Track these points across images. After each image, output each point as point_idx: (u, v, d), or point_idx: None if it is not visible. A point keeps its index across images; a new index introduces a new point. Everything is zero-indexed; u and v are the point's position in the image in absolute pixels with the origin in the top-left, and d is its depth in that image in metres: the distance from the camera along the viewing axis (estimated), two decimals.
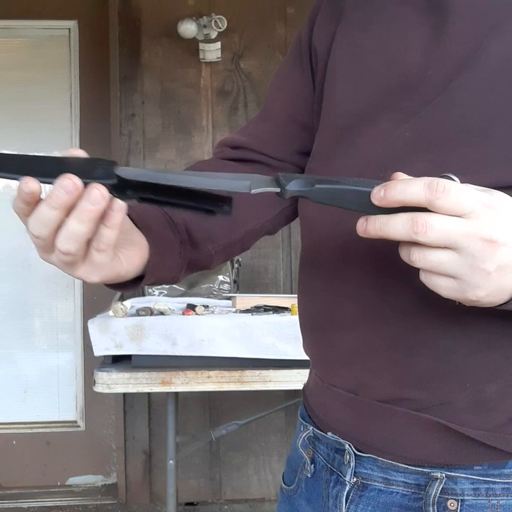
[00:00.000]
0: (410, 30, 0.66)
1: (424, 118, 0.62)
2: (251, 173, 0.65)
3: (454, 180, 0.50)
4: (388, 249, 0.58)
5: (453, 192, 0.48)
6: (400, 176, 0.52)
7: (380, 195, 0.50)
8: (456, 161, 0.60)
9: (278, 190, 0.54)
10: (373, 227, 0.51)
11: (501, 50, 0.60)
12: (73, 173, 0.50)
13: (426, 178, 0.49)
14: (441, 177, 0.50)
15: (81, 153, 0.53)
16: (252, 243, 0.80)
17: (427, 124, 0.62)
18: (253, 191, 0.54)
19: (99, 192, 0.50)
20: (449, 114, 0.61)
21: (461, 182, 0.57)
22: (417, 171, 0.60)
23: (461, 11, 0.63)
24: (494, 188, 0.56)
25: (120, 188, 0.52)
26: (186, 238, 0.69)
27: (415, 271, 0.52)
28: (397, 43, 0.67)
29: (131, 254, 0.60)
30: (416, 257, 0.50)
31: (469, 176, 0.57)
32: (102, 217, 0.51)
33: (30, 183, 0.52)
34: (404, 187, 0.49)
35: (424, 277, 0.51)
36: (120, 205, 0.52)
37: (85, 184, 0.50)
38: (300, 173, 0.56)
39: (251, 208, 0.77)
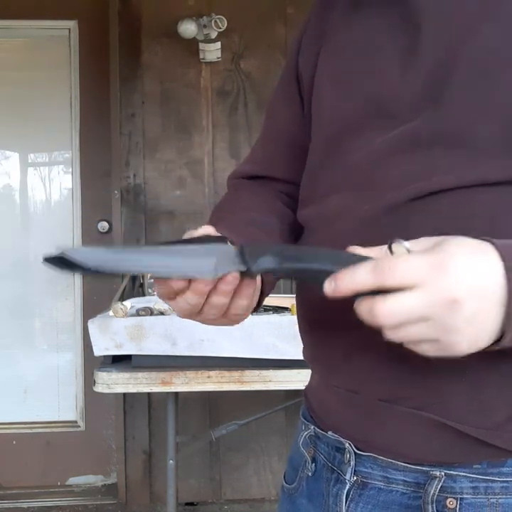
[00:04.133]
0: (388, 43, 0.68)
1: (407, 123, 0.64)
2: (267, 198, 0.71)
3: (405, 246, 0.51)
4: None
5: (399, 268, 0.49)
6: (354, 248, 0.54)
7: (331, 288, 0.52)
8: (438, 162, 0.61)
9: (244, 269, 0.56)
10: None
11: (473, 56, 0.62)
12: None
13: (369, 262, 0.51)
14: (391, 243, 0.52)
15: (210, 231, 0.60)
16: None
17: (410, 129, 0.63)
18: (218, 275, 0.55)
19: (231, 276, 0.58)
20: (430, 120, 0.63)
21: (447, 181, 0.60)
22: (402, 174, 0.63)
23: (432, 19, 0.65)
24: (478, 185, 0.58)
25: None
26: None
27: None
28: (376, 56, 0.69)
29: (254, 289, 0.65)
30: (390, 337, 0.52)
31: (453, 175, 0.60)
32: (236, 292, 0.60)
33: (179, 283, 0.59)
34: (352, 277, 0.51)
35: (407, 346, 0.53)
36: (250, 282, 0.61)
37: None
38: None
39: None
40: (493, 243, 0.51)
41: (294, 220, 0.80)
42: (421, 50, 0.65)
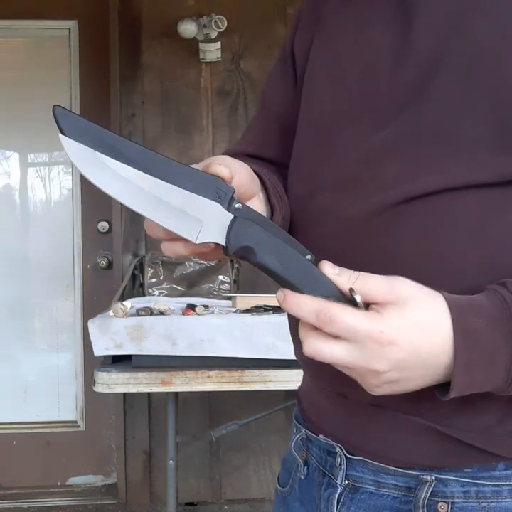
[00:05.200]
0: (381, 34, 0.67)
1: (395, 120, 0.63)
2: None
3: (356, 300, 0.53)
4: (371, 257, 0.60)
5: (339, 322, 0.52)
6: (325, 266, 0.55)
7: (280, 300, 0.55)
8: (426, 162, 0.61)
9: (222, 244, 0.55)
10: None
11: (464, 50, 0.61)
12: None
13: (318, 303, 0.53)
14: (349, 290, 0.53)
15: (223, 172, 0.56)
16: None
17: (399, 126, 0.63)
18: (198, 242, 0.55)
19: (205, 246, 0.56)
20: (418, 116, 0.62)
21: (435, 182, 0.59)
22: (389, 173, 0.62)
23: (425, 11, 0.64)
24: (467, 187, 0.58)
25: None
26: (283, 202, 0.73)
27: (400, 274, 0.55)
28: (369, 46, 0.68)
29: None
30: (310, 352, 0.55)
31: (442, 176, 0.59)
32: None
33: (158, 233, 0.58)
34: (299, 306, 0.53)
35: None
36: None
37: None
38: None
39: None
40: (451, 314, 0.53)
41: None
42: (412, 43, 0.64)
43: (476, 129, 0.59)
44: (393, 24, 0.66)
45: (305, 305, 0.53)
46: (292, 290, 0.55)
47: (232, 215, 0.55)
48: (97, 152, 0.53)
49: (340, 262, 0.57)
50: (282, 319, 1.74)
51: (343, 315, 0.52)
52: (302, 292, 0.54)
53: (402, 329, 0.52)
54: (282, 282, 0.55)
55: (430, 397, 0.59)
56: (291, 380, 1.70)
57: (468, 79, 0.60)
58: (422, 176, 0.60)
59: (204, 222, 0.54)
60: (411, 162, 0.61)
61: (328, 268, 0.55)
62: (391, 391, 0.55)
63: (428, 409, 0.61)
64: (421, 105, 0.62)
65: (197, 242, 0.54)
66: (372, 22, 0.69)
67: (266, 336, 1.72)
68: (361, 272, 0.55)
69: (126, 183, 0.53)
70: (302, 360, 0.76)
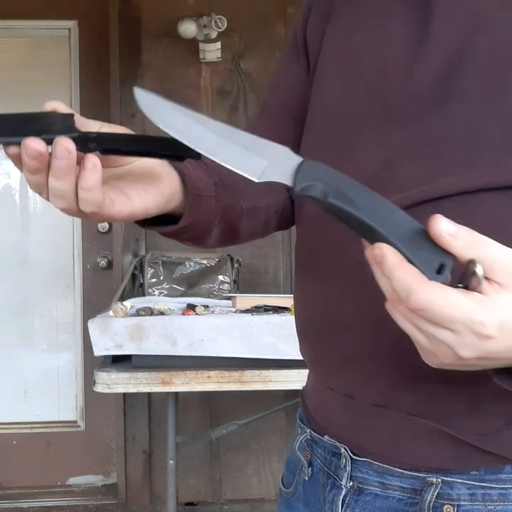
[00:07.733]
0: (398, 28, 0.65)
1: (416, 121, 0.62)
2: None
3: (475, 273, 0.45)
4: None
5: (432, 312, 0.45)
6: (438, 222, 0.46)
7: (372, 257, 0.47)
8: (444, 164, 0.59)
9: (289, 185, 0.51)
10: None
11: (488, 48, 0.59)
12: (34, 131, 0.49)
13: (410, 282, 0.45)
14: (474, 264, 0.45)
15: (58, 106, 0.52)
16: (273, 224, 0.80)
17: (417, 127, 0.61)
18: (261, 180, 0.51)
19: (62, 147, 0.49)
20: (438, 116, 0.60)
21: (453, 185, 0.58)
22: (409, 175, 0.61)
23: (446, 7, 0.62)
24: (485, 190, 0.56)
25: (82, 141, 0.51)
26: (219, 181, 0.69)
27: None
28: (385, 41, 0.66)
29: (150, 190, 0.59)
30: (403, 322, 0.49)
31: (456, 177, 0.58)
32: (78, 179, 0.51)
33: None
34: (393, 272, 0.46)
35: (404, 328, 0.50)
36: (93, 164, 0.51)
37: (50, 141, 0.50)
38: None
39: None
40: None
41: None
42: (431, 41, 0.62)
43: (497, 131, 0.58)
44: (412, 19, 0.64)
45: (400, 276, 0.46)
46: (370, 234, 0.48)
47: (301, 158, 0.51)
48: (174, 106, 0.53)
49: (359, 264, 0.54)
50: (282, 319, 1.75)
51: (439, 302, 0.45)
52: (384, 235, 0.47)
53: (507, 324, 0.45)
54: (358, 226, 0.49)
55: (438, 399, 0.59)
56: (291, 380, 1.70)
57: (494, 78, 0.59)
58: (440, 177, 0.59)
59: (270, 164, 0.51)
60: (429, 164, 0.60)
61: (442, 225, 0.46)
62: (455, 368, 0.49)
63: (435, 411, 0.60)
64: (443, 106, 0.60)
65: (260, 180, 0.51)
66: (388, 15, 0.67)
67: (266, 336, 1.72)
68: (479, 235, 0.46)
69: (192, 121, 0.53)
70: (309, 360, 0.75)
